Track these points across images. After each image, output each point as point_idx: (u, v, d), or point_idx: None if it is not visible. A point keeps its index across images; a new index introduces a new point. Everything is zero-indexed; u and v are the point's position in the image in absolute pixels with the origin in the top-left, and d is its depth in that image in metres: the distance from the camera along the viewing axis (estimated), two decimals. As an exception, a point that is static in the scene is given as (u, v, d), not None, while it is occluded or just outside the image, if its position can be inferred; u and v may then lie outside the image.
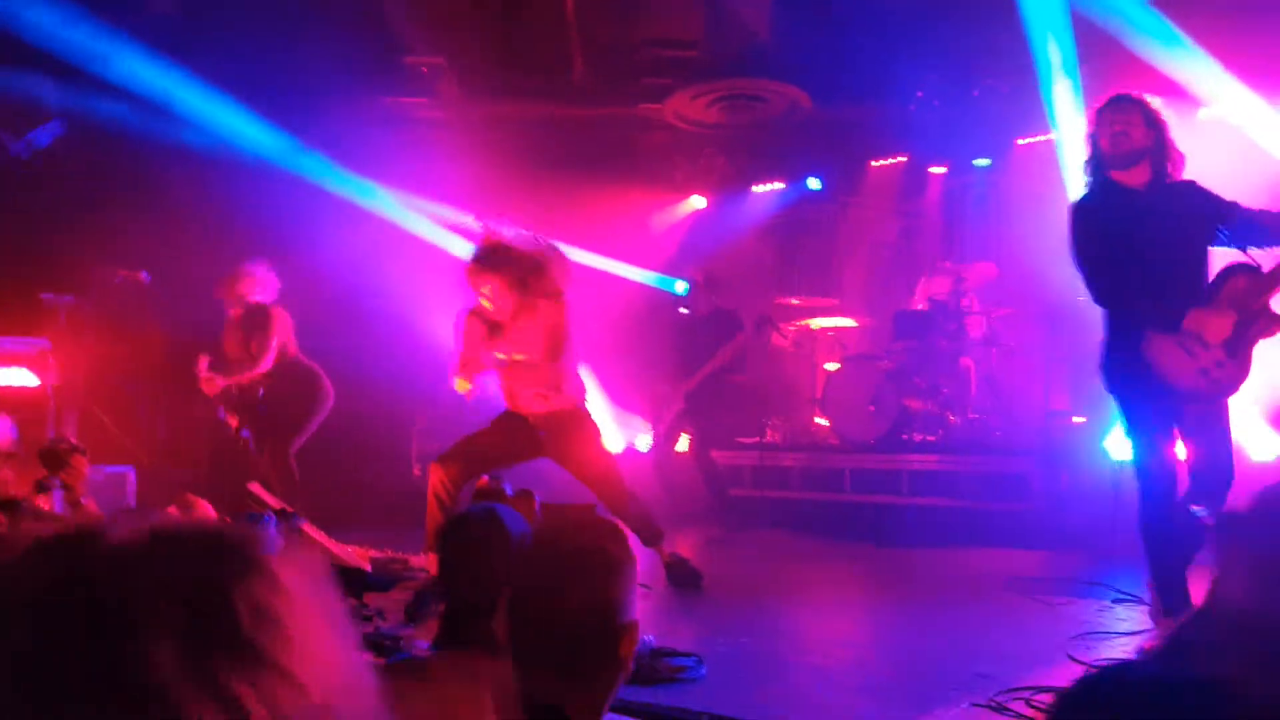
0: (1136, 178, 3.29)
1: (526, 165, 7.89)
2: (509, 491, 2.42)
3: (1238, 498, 3.00)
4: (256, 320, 5.67)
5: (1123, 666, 1.23)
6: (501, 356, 4.35)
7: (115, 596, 0.52)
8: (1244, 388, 3.20)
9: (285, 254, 6.44)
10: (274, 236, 6.53)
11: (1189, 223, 3.23)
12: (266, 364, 5.56)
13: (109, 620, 0.51)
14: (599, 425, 4.68)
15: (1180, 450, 3.29)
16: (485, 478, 2.54)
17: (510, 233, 4.40)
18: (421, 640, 2.27)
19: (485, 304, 4.36)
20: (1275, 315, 3.11)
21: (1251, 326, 3.11)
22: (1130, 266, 3.27)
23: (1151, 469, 3.23)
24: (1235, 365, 3.12)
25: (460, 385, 4.23)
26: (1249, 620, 1.05)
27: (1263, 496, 1.12)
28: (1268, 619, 1.04)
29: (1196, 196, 3.27)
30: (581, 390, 4.54)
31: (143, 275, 6.88)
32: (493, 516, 2.08)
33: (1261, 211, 3.21)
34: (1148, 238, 3.22)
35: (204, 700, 0.50)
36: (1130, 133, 3.24)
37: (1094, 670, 1.24)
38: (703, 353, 6.83)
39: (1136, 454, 3.27)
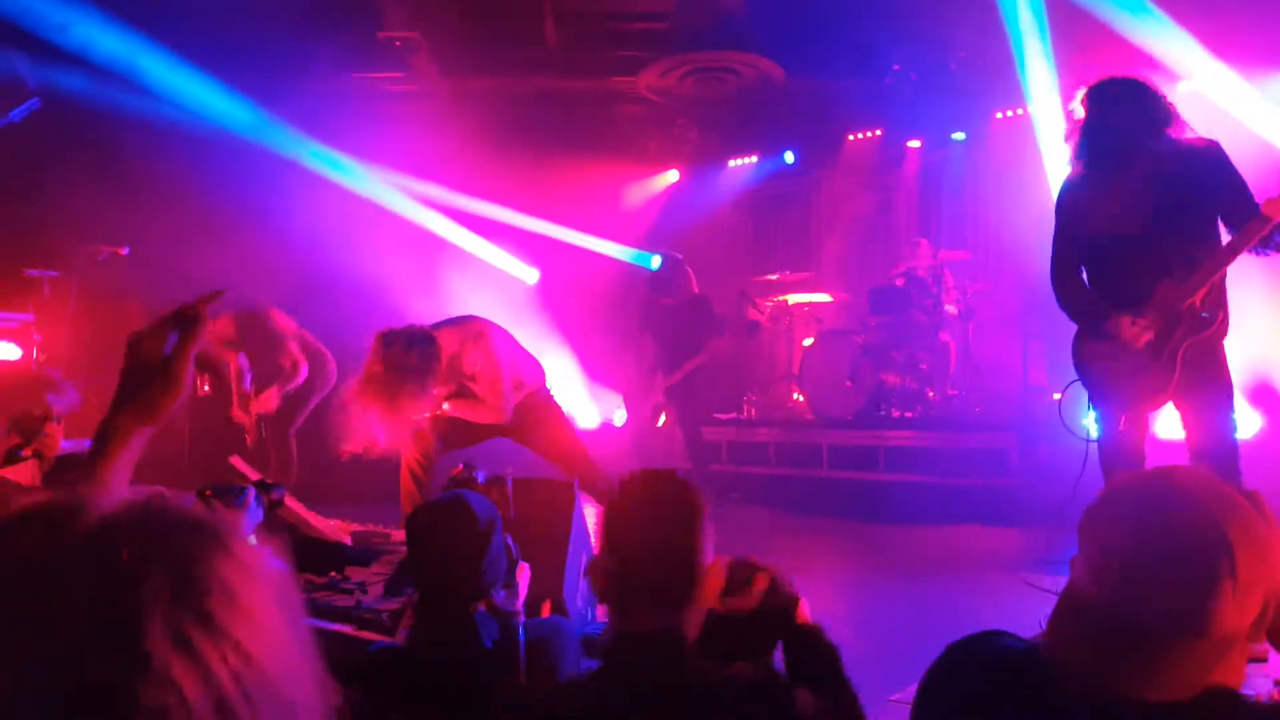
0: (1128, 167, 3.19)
1: (500, 140, 7.80)
2: (481, 479, 2.39)
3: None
4: (262, 337, 5.63)
5: (984, 636, 1.26)
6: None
7: (106, 567, 0.57)
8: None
9: (260, 228, 6.35)
10: (249, 211, 6.44)
11: (1178, 200, 3.12)
12: (303, 369, 5.55)
13: (100, 589, 0.56)
14: (560, 406, 4.62)
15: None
16: (459, 466, 2.51)
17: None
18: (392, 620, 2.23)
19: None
20: (1200, 319, 3.08)
21: (1176, 330, 3.10)
22: (1075, 259, 3.32)
23: (1106, 449, 3.29)
24: (1161, 369, 3.14)
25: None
26: (1090, 606, 1.09)
27: (1107, 490, 1.16)
28: (1101, 604, 1.08)
29: (1201, 176, 3.12)
30: (538, 375, 4.44)
31: (123, 250, 6.83)
32: (459, 503, 2.06)
33: (1248, 219, 3.04)
34: (1123, 220, 3.18)
35: (183, 663, 0.56)
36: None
37: (959, 641, 1.28)
38: (684, 340, 6.73)
39: (1099, 435, 3.32)
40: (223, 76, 6.94)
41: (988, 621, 3.20)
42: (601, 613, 3.32)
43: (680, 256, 8.92)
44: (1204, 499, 1.07)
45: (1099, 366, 3.30)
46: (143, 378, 1.19)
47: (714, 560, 1.54)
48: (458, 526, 2.00)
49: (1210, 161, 3.13)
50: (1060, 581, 3.60)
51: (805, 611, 1.74)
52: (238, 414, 5.67)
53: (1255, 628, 1.06)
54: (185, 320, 1.22)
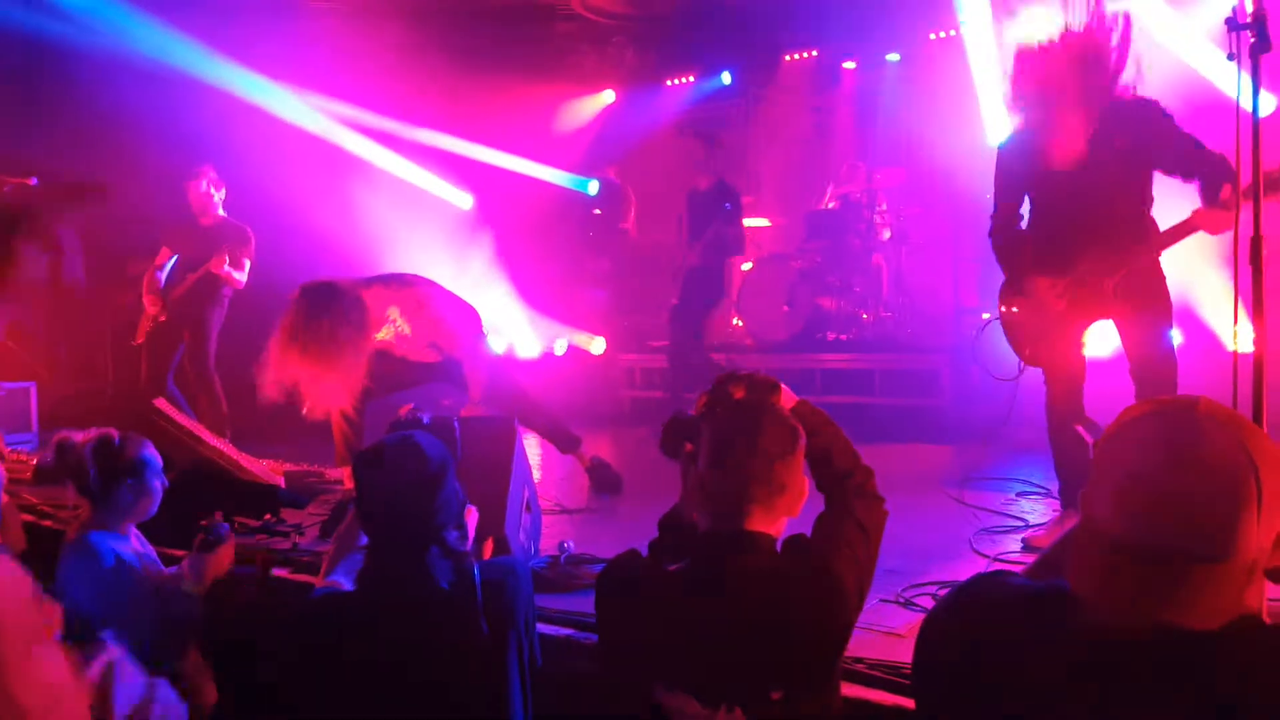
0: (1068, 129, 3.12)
1: (429, 60, 7.52)
2: (426, 420, 2.35)
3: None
4: (229, 234, 5.57)
5: (992, 576, 1.29)
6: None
7: None
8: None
9: (176, 156, 6.07)
10: (165, 140, 6.15)
11: (1114, 169, 3.09)
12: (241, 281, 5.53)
13: None
14: (494, 352, 4.59)
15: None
16: (408, 407, 2.46)
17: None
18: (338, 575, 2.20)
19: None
20: (1105, 297, 3.14)
21: (1084, 303, 3.18)
22: (1012, 214, 3.35)
23: (1048, 381, 3.39)
24: (1065, 339, 3.25)
25: None
26: (1116, 536, 1.08)
27: (1126, 421, 1.14)
28: (1128, 533, 1.07)
29: (1141, 134, 3.06)
30: (476, 325, 4.36)
31: (31, 181, 6.48)
32: (409, 444, 2.00)
33: (1198, 154, 3.02)
34: (1059, 185, 3.20)
35: None
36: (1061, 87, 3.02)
37: (966, 582, 1.27)
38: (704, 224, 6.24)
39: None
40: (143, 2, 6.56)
41: (918, 542, 3.31)
42: (548, 545, 3.36)
43: (618, 180, 8.82)
44: (1229, 424, 1.08)
45: (1012, 316, 3.41)
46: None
47: (801, 481, 1.74)
48: (408, 468, 1.96)
49: (1153, 122, 3.07)
50: (987, 498, 3.74)
51: (788, 394, 1.93)
52: (148, 299, 5.55)
53: (1273, 553, 1.07)
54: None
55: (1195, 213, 2.96)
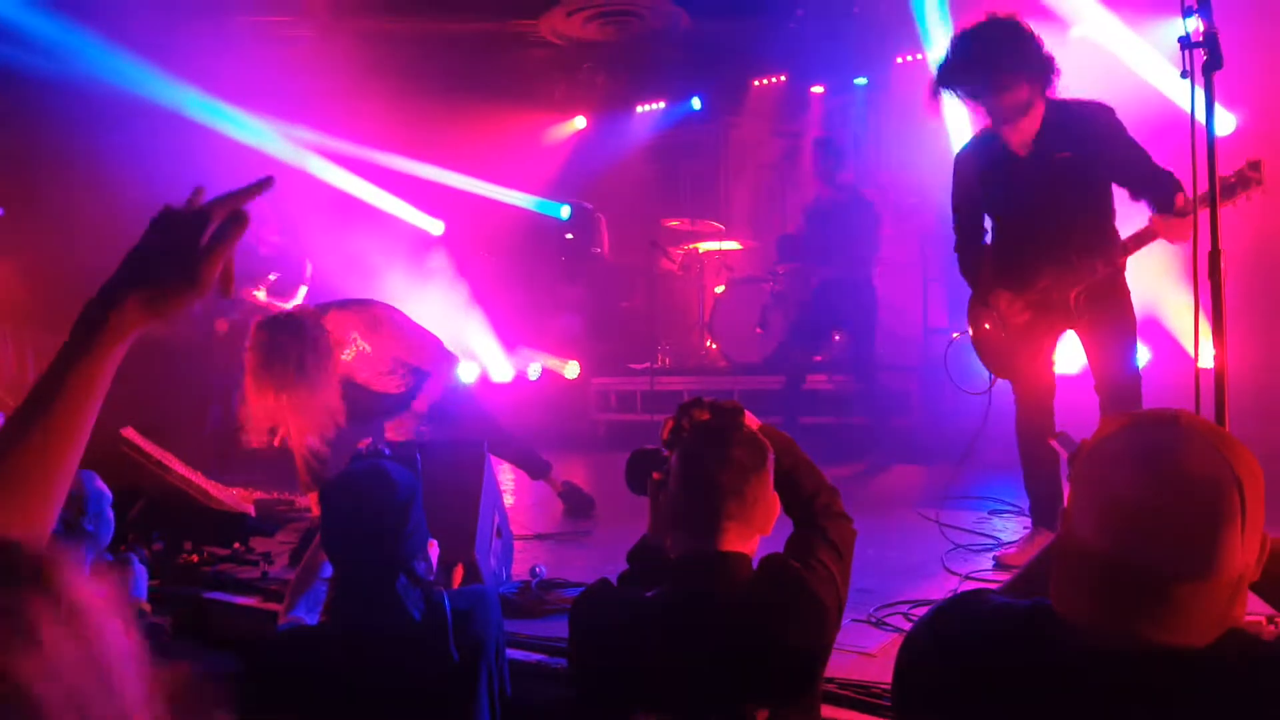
0: (1023, 131, 3.14)
1: (399, 87, 7.51)
2: (387, 453, 2.33)
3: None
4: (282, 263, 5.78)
5: (972, 596, 1.28)
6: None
7: None
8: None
9: (147, 186, 6.01)
10: (136, 169, 6.09)
11: (1066, 179, 3.10)
12: None
13: None
14: (458, 375, 4.56)
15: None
16: (367, 441, 2.44)
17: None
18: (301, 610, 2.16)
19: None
20: (1067, 305, 3.16)
21: (1052, 318, 3.21)
22: (973, 228, 3.39)
23: (1017, 397, 3.41)
24: (1029, 352, 3.29)
25: None
26: (1097, 554, 1.07)
27: (1106, 438, 1.12)
28: (1110, 551, 1.06)
29: (1091, 142, 3.06)
30: (440, 355, 4.30)
31: None
32: (378, 472, 1.98)
33: (1146, 168, 3.03)
34: (1013, 198, 3.21)
35: None
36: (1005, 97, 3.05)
37: (946, 601, 1.25)
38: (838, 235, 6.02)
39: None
40: (103, 29, 6.52)
41: (891, 561, 3.30)
42: (519, 571, 3.32)
43: (590, 205, 8.84)
44: (1210, 437, 1.06)
45: (980, 332, 3.44)
46: (165, 262, 1.00)
47: (772, 497, 1.75)
48: (377, 497, 1.93)
49: (1103, 130, 3.08)
50: (959, 516, 3.75)
51: (751, 418, 1.94)
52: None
53: (1256, 567, 1.06)
54: (230, 211, 1.04)
55: (1152, 219, 2.97)
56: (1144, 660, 1.03)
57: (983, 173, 3.29)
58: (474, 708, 1.92)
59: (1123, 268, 3.16)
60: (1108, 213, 3.20)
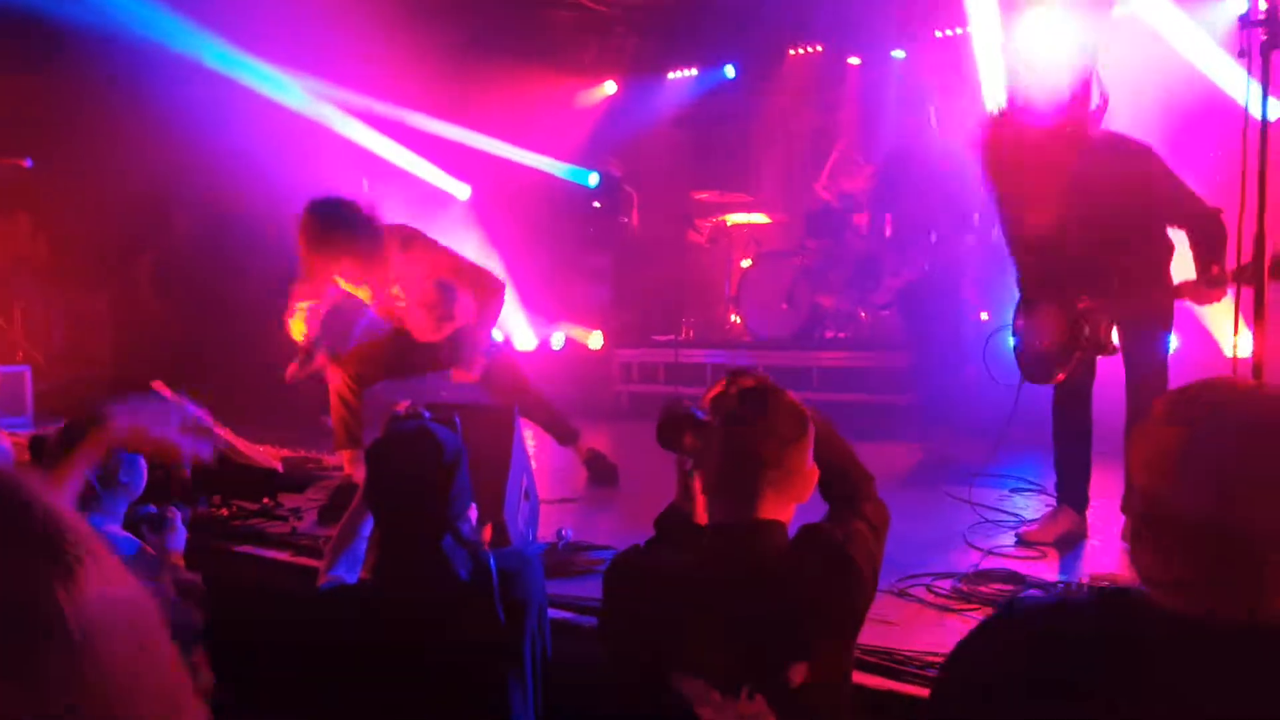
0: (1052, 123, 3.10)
1: (427, 48, 7.47)
2: (427, 415, 2.34)
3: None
4: None
5: (1021, 602, 1.23)
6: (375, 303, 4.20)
7: None
8: None
9: (171, 140, 6.06)
10: (160, 123, 6.13)
11: (1102, 222, 3.08)
12: None
13: None
14: (493, 335, 4.55)
15: None
16: (405, 403, 2.46)
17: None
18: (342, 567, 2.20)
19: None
20: (1099, 343, 3.15)
21: (1077, 346, 3.19)
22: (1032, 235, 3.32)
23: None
24: (1053, 367, 3.27)
25: (294, 332, 4.10)
26: (1191, 524, 1.05)
27: (1191, 407, 1.11)
28: (1208, 520, 1.04)
29: (1136, 189, 3.03)
30: (486, 275, 4.26)
31: (26, 162, 6.45)
32: (425, 433, 1.98)
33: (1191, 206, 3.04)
34: (1041, 229, 3.19)
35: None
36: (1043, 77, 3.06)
37: (995, 616, 1.20)
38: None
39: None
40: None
41: (914, 534, 3.32)
42: (545, 533, 3.37)
43: (619, 173, 8.80)
44: None
45: (1020, 334, 3.42)
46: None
47: (811, 467, 1.75)
48: (424, 457, 1.94)
49: (1146, 173, 3.07)
50: (985, 494, 3.75)
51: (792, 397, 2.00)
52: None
53: None
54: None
55: (1183, 284, 3.00)
56: (1236, 637, 1.01)
57: (1013, 191, 3.28)
58: (518, 668, 1.94)
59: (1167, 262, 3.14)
60: (1161, 248, 3.18)
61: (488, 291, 4.12)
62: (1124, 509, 1.19)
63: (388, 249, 3.96)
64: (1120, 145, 3.11)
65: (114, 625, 0.58)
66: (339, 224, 3.80)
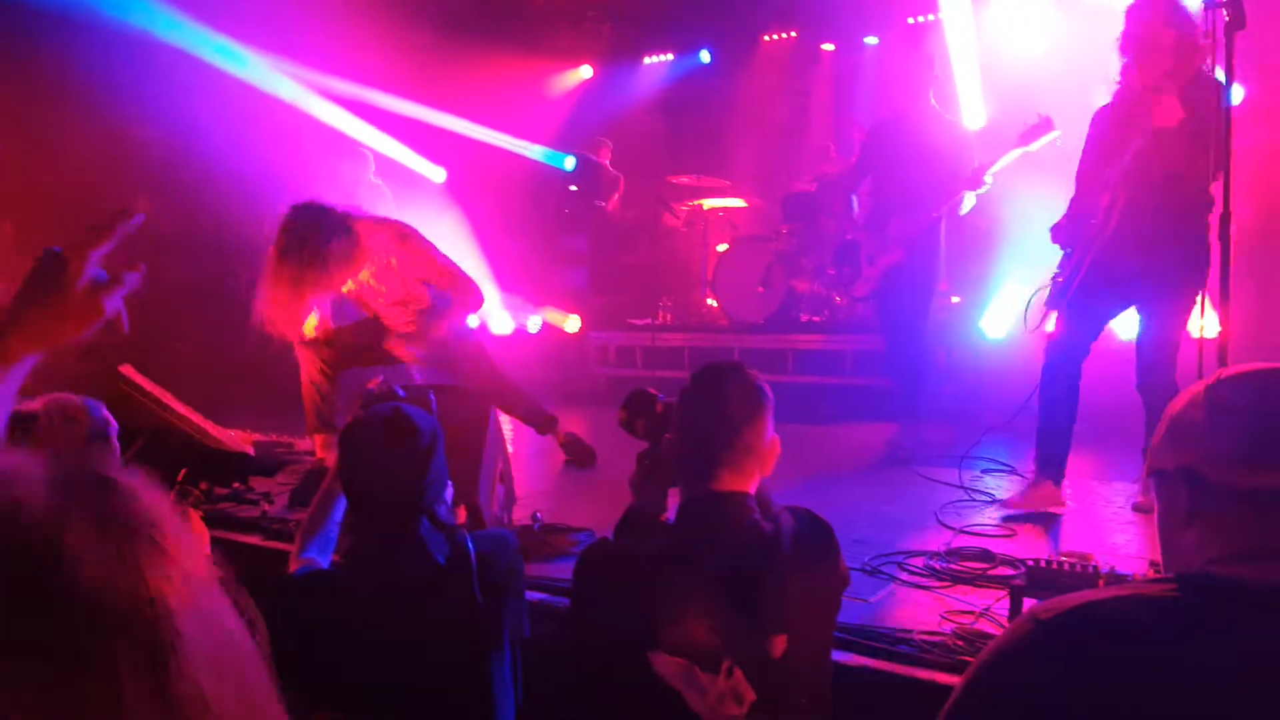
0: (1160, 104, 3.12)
1: (403, 30, 7.41)
2: (400, 394, 2.31)
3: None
4: None
5: (1065, 602, 1.05)
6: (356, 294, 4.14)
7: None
8: None
9: (145, 123, 5.97)
10: (134, 106, 6.04)
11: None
12: None
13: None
14: (474, 329, 4.52)
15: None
16: (377, 380, 2.41)
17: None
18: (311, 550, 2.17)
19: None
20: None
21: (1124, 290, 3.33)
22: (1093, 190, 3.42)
23: (1054, 345, 3.49)
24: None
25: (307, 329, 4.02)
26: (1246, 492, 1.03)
27: (1241, 376, 1.10)
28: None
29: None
30: (468, 283, 4.20)
31: None
32: (400, 416, 1.95)
33: None
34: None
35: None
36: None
37: (1025, 629, 1.04)
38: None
39: (1057, 324, 3.52)
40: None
41: (887, 514, 3.35)
42: (520, 516, 3.37)
43: (594, 157, 8.77)
44: None
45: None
46: (50, 297, 1.04)
47: (771, 440, 1.79)
48: (400, 440, 1.91)
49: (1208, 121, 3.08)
50: (956, 475, 3.79)
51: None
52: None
53: None
54: (99, 237, 1.07)
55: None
56: None
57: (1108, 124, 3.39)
58: (497, 649, 1.93)
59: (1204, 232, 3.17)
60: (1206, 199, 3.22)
61: (469, 303, 4.13)
62: (1152, 492, 1.15)
63: (385, 242, 3.93)
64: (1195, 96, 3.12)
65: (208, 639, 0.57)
66: (320, 250, 3.66)
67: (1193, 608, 0.99)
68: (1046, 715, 0.97)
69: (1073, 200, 3.55)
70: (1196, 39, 2.97)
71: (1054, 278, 3.52)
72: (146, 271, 1.10)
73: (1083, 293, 3.38)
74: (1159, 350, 3.29)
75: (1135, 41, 3.15)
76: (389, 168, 8.10)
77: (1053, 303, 3.51)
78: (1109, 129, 3.39)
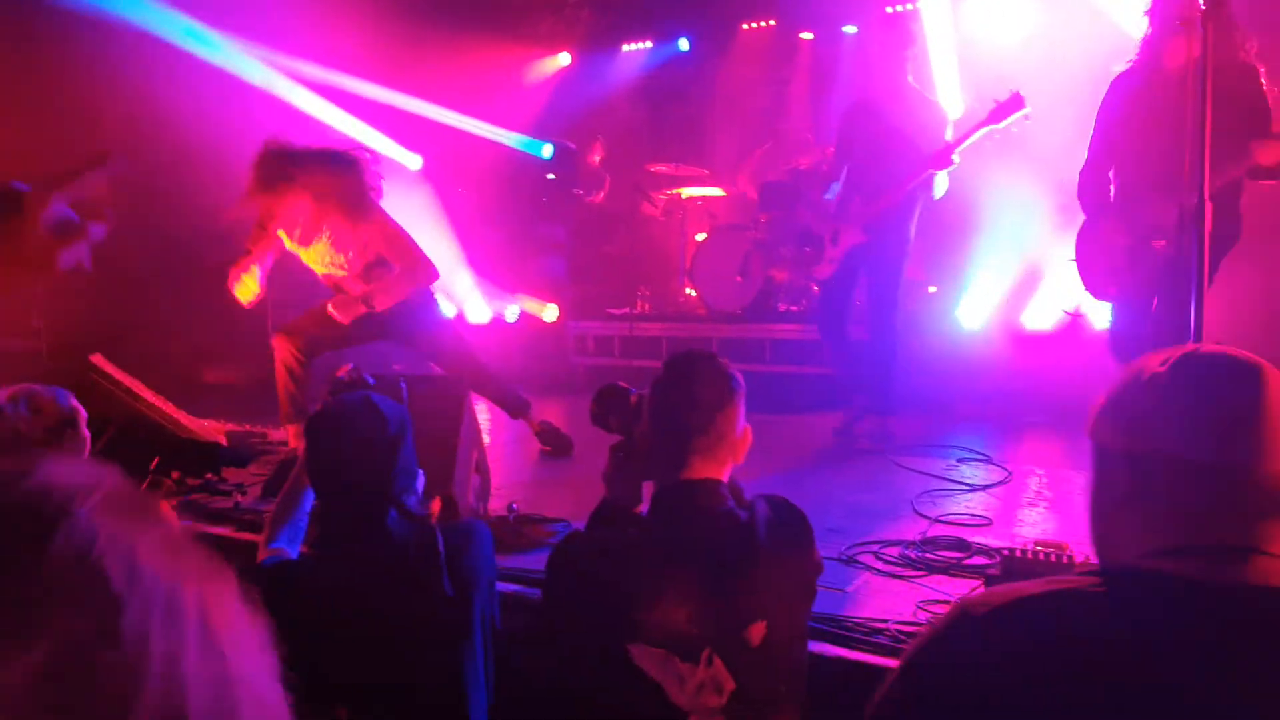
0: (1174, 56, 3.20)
1: (378, 16, 7.31)
2: (370, 381, 2.27)
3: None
4: None
5: (980, 597, 1.07)
6: (321, 270, 4.11)
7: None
8: None
9: (119, 107, 5.86)
10: (107, 90, 5.93)
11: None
12: None
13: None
14: (443, 307, 4.49)
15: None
16: (347, 366, 2.36)
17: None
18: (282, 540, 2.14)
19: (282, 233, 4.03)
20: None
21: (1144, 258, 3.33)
22: (1105, 164, 3.48)
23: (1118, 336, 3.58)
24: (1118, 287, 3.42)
25: (243, 293, 3.96)
26: (1213, 472, 1.02)
27: (1183, 363, 1.09)
28: (1229, 467, 1.02)
29: (1231, 99, 2.99)
30: (422, 259, 4.19)
31: None
32: (368, 404, 1.92)
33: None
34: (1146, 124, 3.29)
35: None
36: None
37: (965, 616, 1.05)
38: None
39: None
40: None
41: (862, 503, 3.35)
42: (496, 507, 3.34)
43: (574, 145, 8.72)
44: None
45: (1081, 253, 3.57)
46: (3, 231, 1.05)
47: (743, 429, 1.80)
48: (367, 431, 1.88)
49: (1243, 86, 3.14)
50: (932, 464, 3.81)
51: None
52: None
53: None
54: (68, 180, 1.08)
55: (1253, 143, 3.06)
56: (1258, 596, 0.97)
57: (1128, 107, 3.45)
58: (468, 641, 1.92)
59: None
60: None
61: (419, 279, 4.10)
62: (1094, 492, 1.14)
63: (333, 186, 3.93)
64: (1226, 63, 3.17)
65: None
66: (311, 148, 3.81)
67: (1123, 604, 0.99)
68: (973, 707, 0.97)
69: (1084, 169, 3.59)
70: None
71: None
72: (112, 221, 1.07)
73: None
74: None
75: None
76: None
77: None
78: (1124, 97, 3.44)
